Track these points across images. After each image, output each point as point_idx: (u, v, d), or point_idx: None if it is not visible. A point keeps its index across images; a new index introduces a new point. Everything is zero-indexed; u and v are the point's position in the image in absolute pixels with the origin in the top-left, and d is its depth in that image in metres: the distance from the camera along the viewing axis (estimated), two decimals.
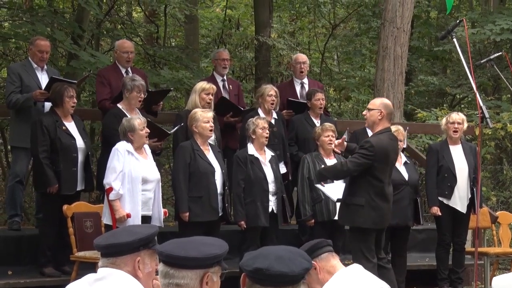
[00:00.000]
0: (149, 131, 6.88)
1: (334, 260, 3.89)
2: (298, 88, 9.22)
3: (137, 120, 6.79)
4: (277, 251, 2.83)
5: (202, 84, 7.96)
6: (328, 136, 7.84)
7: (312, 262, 3.76)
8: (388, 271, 7.05)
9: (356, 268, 3.95)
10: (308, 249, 3.81)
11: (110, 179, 6.65)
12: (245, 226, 7.45)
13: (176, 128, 7.67)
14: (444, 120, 8.44)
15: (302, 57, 9.44)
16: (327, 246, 3.91)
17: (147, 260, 3.21)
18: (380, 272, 6.95)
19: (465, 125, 8.40)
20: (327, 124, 7.99)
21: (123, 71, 8.13)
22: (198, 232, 6.80)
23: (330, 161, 7.85)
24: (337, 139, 8.04)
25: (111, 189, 6.64)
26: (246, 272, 2.77)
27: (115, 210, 6.63)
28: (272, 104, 8.39)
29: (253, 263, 2.75)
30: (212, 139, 7.60)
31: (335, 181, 7.67)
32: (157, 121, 8.17)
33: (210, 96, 7.87)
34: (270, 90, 8.42)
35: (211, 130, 7.33)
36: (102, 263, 3.19)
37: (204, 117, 7.28)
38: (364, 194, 6.77)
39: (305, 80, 9.34)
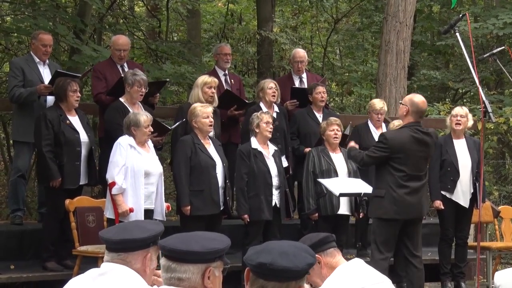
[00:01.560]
0: (152, 129, 6.89)
1: (338, 256, 3.90)
2: (297, 82, 9.23)
3: (144, 116, 6.79)
4: (281, 246, 2.84)
5: (204, 78, 7.96)
6: (333, 130, 7.83)
7: (317, 256, 3.77)
8: (419, 270, 7.04)
9: (356, 263, 3.94)
10: (315, 243, 3.82)
11: (113, 173, 6.66)
12: (248, 220, 7.46)
13: (177, 123, 7.66)
14: (449, 115, 8.48)
15: (300, 55, 9.37)
16: (333, 241, 3.93)
17: (153, 256, 3.23)
18: (408, 269, 6.99)
19: (471, 119, 8.39)
20: (333, 119, 7.98)
21: (119, 65, 8.12)
22: (200, 226, 6.82)
23: (336, 155, 7.85)
24: (342, 133, 8.06)
25: (113, 183, 6.65)
26: (250, 267, 2.77)
27: (117, 204, 6.63)
28: (273, 96, 8.39)
29: (256, 257, 2.75)
30: (211, 134, 7.58)
31: (340, 175, 7.70)
32: (159, 115, 8.17)
33: (213, 90, 7.86)
34: (270, 83, 8.46)
35: (210, 125, 7.32)
36: (110, 258, 3.18)
37: (204, 112, 7.28)
38: (384, 186, 6.87)
39: (304, 75, 9.34)
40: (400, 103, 7.15)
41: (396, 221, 6.87)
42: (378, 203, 6.91)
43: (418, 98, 6.99)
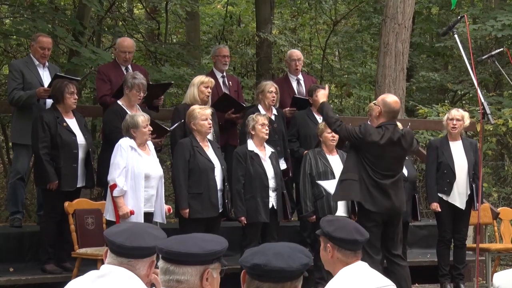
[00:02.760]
0: (151, 128, 6.88)
1: (352, 260, 3.87)
2: (294, 84, 9.20)
3: (141, 117, 6.79)
4: (276, 247, 2.85)
5: (201, 78, 7.97)
6: (331, 132, 7.83)
7: (329, 244, 3.86)
8: (402, 268, 7.02)
9: (361, 266, 3.93)
10: (338, 237, 3.82)
11: (114, 175, 6.64)
12: (245, 222, 7.46)
13: (176, 125, 7.66)
14: (445, 116, 8.48)
15: (297, 54, 9.37)
16: (357, 246, 3.88)
17: (156, 260, 3.23)
18: (393, 268, 6.98)
19: (467, 121, 8.39)
20: None
21: (123, 68, 8.13)
22: (199, 229, 6.80)
23: (333, 157, 7.85)
24: None
25: (115, 185, 6.63)
26: (245, 269, 2.79)
27: (118, 206, 6.62)
28: (273, 100, 8.39)
29: (251, 259, 2.77)
30: (209, 136, 7.57)
31: (337, 177, 7.69)
32: (158, 117, 8.17)
33: (209, 90, 7.87)
34: (271, 87, 8.43)
35: (209, 127, 7.32)
36: (118, 262, 3.15)
37: (202, 114, 7.27)
38: (355, 171, 6.81)
39: (300, 76, 9.32)
40: (374, 103, 7.10)
41: (374, 217, 6.82)
42: (351, 185, 6.82)
43: (391, 98, 6.94)
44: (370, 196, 6.80)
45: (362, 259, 6.57)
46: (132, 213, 6.61)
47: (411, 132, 7.35)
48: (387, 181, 6.83)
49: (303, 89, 9.11)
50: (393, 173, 6.89)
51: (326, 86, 7.57)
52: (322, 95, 7.25)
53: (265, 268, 2.73)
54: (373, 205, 6.80)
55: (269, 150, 7.74)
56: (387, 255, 7.04)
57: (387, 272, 7.44)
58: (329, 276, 4.00)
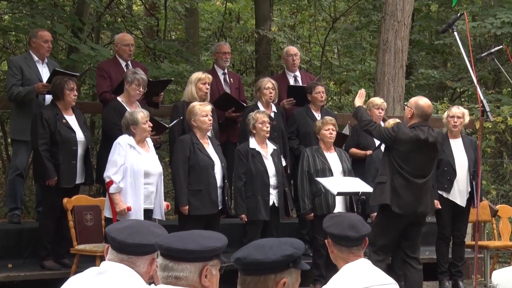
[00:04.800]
0: (151, 124, 6.89)
1: (349, 257, 3.85)
2: (291, 81, 9.16)
3: (140, 113, 6.79)
4: (264, 241, 2.89)
5: (198, 74, 7.95)
6: (329, 129, 7.84)
7: (328, 239, 3.86)
8: (416, 271, 7.03)
9: (363, 263, 3.93)
10: (334, 233, 3.82)
11: (111, 172, 6.66)
12: (246, 220, 7.47)
13: (175, 121, 7.66)
14: (445, 114, 8.46)
15: (293, 49, 9.36)
16: (352, 242, 3.84)
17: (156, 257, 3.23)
18: (407, 271, 6.99)
19: (467, 118, 8.39)
20: (328, 118, 7.99)
21: (123, 64, 8.12)
22: (198, 226, 6.82)
23: (330, 155, 7.86)
24: (337, 132, 8.06)
25: (111, 182, 6.65)
26: (233, 263, 2.82)
27: (115, 203, 6.63)
28: (271, 96, 8.37)
29: (236, 254, 2.81)
30: (209, 133, 7.57)
31: (335, 175, 7.70)
32: (156, 114, 8.16)
33: (207, 86, 7.85)
34: (267, 83, 8.42)
35: (209, 124, 7.32)
36: (119, 259, 3.14)
37: (203, 110, 7.27)
38: (387, 173, 6.86)
39: (298, 73, 9.30)
40: (406, 105, 7.15)
41: (399, 218, 6.83)
42: (382, 188, 6.87)
43: (423, 101, 6.96)
44: (399, 198, 6.81)
45: (369, 257, 6.57)
46: (129, 209, 6.62)
47: (442, 133, 7.40)
48: (419, 181, 6.85)
49: (302, 85, 9.08)
50: (424, 174, 6.92)
51: (362, 90, 7.61)
52: (358, 100, 7.34)
53: (244, 261, 2.77)
54: (400, 208, 6.82)
55: (271, 147, 7.74)
56: (403, 256, 7.05)
57: (392, 269, 7.48)
58: (328, 274, 4.00)
